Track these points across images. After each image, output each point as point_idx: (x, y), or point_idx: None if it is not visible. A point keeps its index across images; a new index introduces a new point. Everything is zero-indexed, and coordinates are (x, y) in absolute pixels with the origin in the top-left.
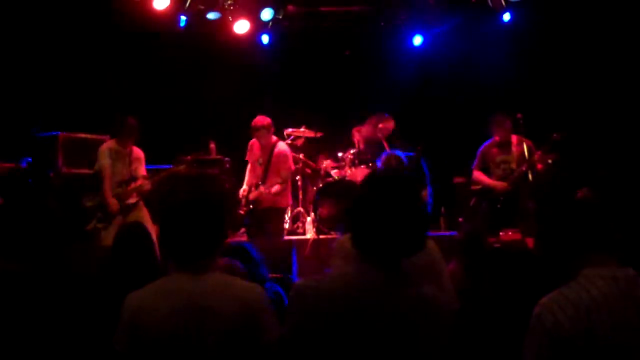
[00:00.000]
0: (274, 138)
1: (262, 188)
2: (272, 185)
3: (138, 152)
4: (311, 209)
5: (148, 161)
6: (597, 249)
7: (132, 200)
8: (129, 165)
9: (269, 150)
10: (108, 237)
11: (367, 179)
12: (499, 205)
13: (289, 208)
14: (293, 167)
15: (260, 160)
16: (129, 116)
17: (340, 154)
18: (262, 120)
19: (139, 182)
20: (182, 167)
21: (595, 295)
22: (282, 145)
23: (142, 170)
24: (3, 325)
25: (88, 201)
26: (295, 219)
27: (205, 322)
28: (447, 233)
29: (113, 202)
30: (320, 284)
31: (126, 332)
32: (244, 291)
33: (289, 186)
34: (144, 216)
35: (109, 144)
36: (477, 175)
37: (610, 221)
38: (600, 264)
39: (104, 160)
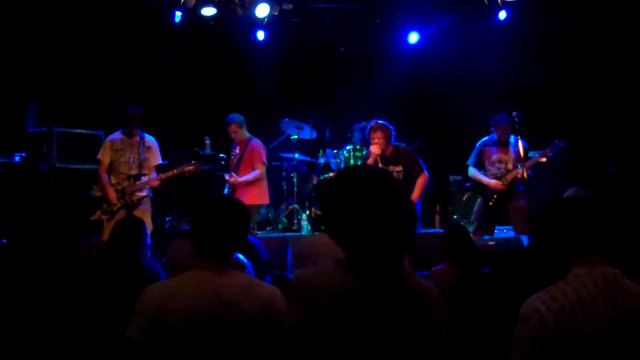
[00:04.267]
0: (248, 135)
1: (233, 177)
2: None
3: (150, 141)
4: (307, 205)
5: None
6: (588, 248)
7: (139, 195)
8: (139, 155)
9: (243, 146)
10: (109, 229)
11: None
12: (491, 203)
13: (264, 206)
14: (265, 160)
15: (236, 156)
16: (130, 106)
17: (335, 151)
18: (233, 117)
19: (148, 177)
20: (191, 167)
21: (582, 293)
22: (255, 141)
23: (154, 160)
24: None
25: (97, 191)
26: (290, 215)
27: (231, 317)
28: (442, 230)
29: (111, 194)
30: (320, 274)
31: (147, 324)
32: (266, 292)
33: (264, 183)
34: (147, 213)
35: (113, 136)
36: (473, 171)
37: (602, 220)
38: (591, 262)
39: (101, 152)
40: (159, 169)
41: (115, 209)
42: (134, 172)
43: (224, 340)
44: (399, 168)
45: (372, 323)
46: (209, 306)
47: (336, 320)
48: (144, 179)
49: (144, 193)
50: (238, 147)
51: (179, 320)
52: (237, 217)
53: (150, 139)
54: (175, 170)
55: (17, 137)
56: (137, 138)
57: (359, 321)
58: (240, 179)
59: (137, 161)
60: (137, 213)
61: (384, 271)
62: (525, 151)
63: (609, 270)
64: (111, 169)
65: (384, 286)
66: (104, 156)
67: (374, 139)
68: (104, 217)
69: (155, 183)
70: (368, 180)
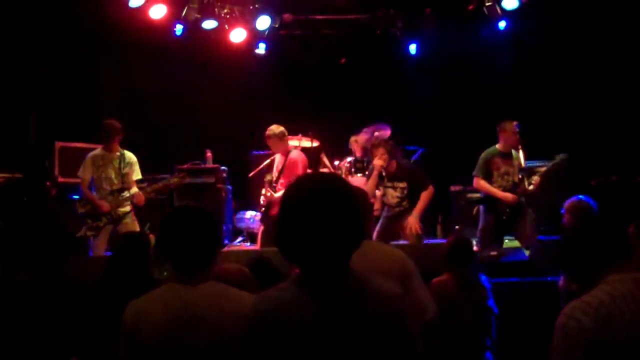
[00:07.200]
0: (290, 145)
1: (269, 193)
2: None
3: (130, 156)
4: None
5: (147, 170)
6: (616, 257)
7: (124, 210)
8: (120, 170)
9: (284, 158)
10: (97, 245)
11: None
12: (504, 217)
13: None
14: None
15: (277, 168)
16: (108, 119)
17: (337, 162)
18: (273, 128)
19: (131, 190)
20: (175, 180)
21: (615, 297)
22: (294, 153)
23: (135, 174)
24: (10, 331)
25: (80, 207)
26: None
27: (197, 330)
28: (444, 240)
29: (102, 203)
30: (275, 299)
31: (126, 339)
32: (238, 302)
33: None
34: (134, 226)
35: (94, 152)
36: (482, 184)
37: (625, 230)
38: (619, 269)
39: (82, 169)
40: (139, 183)
41: (101, 224)
42: (116, 187)
43: (194, 353)
44: (404, 184)
45: (325, 340)
46: (176, 319)
47: (295, 344)
48: (127, 193)
49: (128, 207)
50: (278, 158)
51: (148, 335)
52: (202, 227)
53: (130, 154)
54: (160, 184)
55: (19, 150)
56: (117, 153)
57: (312, 339)
58: (277, 195)
59: (119, 176)
60: (124, 227)
61: (327, 283)
62: (524, 159)
63: (637, 274)
64: (92, 186)
65: (329, 299)
66: (85, 173)
67: (376, 155)
68: (89, 234)
69: (142, 200)
70: (305, 191)
